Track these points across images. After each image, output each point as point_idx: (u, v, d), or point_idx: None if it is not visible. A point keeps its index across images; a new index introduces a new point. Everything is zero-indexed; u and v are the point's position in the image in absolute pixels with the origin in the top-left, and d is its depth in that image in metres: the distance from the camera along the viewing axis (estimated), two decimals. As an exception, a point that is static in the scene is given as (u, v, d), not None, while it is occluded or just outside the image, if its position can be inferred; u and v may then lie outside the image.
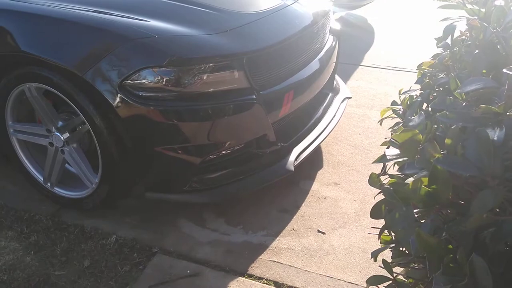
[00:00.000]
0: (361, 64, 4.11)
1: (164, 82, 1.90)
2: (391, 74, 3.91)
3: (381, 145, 1.38)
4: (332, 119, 2.67)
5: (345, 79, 3.73)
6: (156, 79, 1.89)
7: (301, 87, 2.38)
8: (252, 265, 1.93)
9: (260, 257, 1.98)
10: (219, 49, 2.00)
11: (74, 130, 2.15)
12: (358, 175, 2.55)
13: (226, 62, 1.99)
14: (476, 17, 0.83)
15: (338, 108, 2.80)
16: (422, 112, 0.88)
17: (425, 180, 0.68)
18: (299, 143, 2.42)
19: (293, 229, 2.15)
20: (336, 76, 3.00)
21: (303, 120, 2.56)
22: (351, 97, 2.97)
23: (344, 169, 2.60)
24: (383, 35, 4.96)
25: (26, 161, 2.30)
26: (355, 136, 2.94)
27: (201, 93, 1.97)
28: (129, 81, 1.89)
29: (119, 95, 1.90)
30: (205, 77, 1.95)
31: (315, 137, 2.49)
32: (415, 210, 0.71)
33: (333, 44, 2.76)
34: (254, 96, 2.07)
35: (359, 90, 3.59)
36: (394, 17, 5.65)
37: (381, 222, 1.04)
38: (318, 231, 2.14)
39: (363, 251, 2.02)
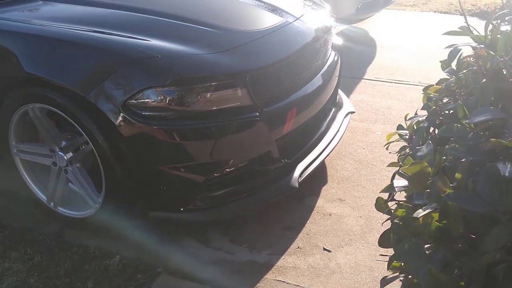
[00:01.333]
0: (364, 77, 4.11)
1: (167, 102, 1.90)
2: (393, 87, 3.90)
3: (388, 166, 1.37)
4: (336, 134, 2.66)
5: (348, 93, 3.73)
6: (159, 98, 1.89)
7: (304, 103, 2.38)
8: (257, 285, 1.92)
9: (266, 276, 1.96)
10: (221, 68, 2.00)
11: (77, 149, 2.15)
12: (363, 191, 2.53)
13: (229, 80, 2.00)
14: (482, 46, 0.83)
15: (342, 123, 2.79)
16: (430, 142, 0.87)
17: (435, 215, 0.67)
18: (303, 159, 2.41)
19: (298, 247, 2.13)
20: (339, 91, 3.00)
21: (307, 136, 2.55)
22: (354, 112, 2.96)
23: (349, 184, 2.59)
24: (384, 48, 4.97)
25: (29, 180, 2.29)
26: (359, 150, 2.93)
27: (204, 112, 1.97)
28: (132, 101, 1.89)
29: (122, 115, 1.90)
30: (208, 96, 1.95)
31: (319, 152, 2.48)
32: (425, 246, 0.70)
33: (335, 59, 2.76)
34: (257, 114, 2.07)
35: (362, 104, 3.58)
36: (395, 31, 5.66)
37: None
38: (324, 249, 2.12)
39: (370, 269, 2.00)
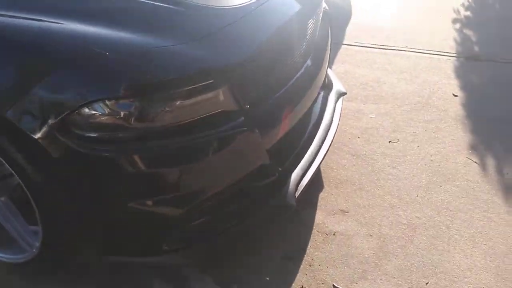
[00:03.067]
0: (343, 43, 3.61)
1: (122, 118, 1.34)
2: (378, 54, 3.43)
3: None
4: (330, 126, 2.18)
5: (329, 62, 3.22)
6: (110, 114, 1.33)
7: (299, 95, 1.87)
8: None
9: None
10: (195, 65, 1.44)
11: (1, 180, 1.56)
12: (367, 197, 2.10)
13: (206, 81, 1.44)
14: None
15: (335, 110, 2.31)
16: None
17: None
18: (297, 165, 1.93)
19: (302, 287, 1.69)
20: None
21: (298, 133, 2.05)
22: (346, 93, 2.48)
23: (349, 188, 2.14)
24: (361, 9, 4.44)
25: None
26: (354, 140, 2.48)
27: (174, 127, 1.43)
28: (72, 119, 1.32)
29: (57, 137, 1.33)
30: (179, 106, 1.40)
31: (313, 154, 2.00)
32: None
33: (326, 31, 2.24)
34: (244, 120, 1.55)
35: (346, 77, 3.10)
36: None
37: None
38: (334, 286, 1.69)
39: (395, 314, 1.60)
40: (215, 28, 1.54)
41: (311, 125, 2.13)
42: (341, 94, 2.46)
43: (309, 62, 1.99)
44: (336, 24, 3.91)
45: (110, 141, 1.36)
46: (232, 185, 1.64)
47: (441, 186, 2.16)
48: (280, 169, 1.83)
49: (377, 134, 2.51)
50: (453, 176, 2.22)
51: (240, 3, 1.69)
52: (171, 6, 1.57)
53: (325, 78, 2.38)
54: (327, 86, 2.45)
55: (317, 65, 2.06)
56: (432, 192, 2.12)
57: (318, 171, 2.08)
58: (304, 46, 1.90)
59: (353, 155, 2.36)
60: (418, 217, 1.99)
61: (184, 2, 1.60)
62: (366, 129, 2.56)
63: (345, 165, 2.29)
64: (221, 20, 1.58)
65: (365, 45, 3.55)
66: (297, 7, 1.86)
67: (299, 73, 1.89)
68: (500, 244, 1.87)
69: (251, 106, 1.59)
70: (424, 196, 2.10)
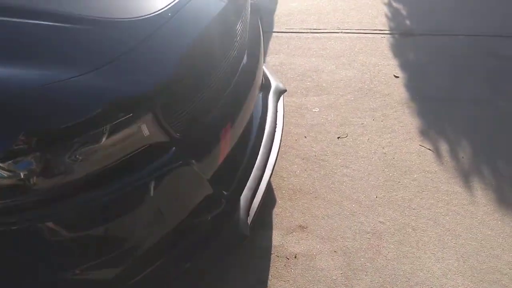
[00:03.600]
0: (274, 30, 3.38)
1: (24, 179, 1.04)
2: (311, 39, 3.23)
3: None
4: (275, 133, 1.96)
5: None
6: (8, 177, 1.03)
7: (237, 105, 1.63)
8: None
9: None
10: (107, 98, 1.15)
11: None
12: (324, 206, 1.91)
13: (123, 116, 1.15)
14: None
15: (277, 112, 2.09)
16: None
17: None
18: (244, 185, 1.70)
19: (269, 329, 1.48)
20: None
21: (240, 148, 1.80)
22: (286, 90, 2.26)
23: (304, 198, 1.94)
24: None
25: None
26: (301, 141, 2.27)
27: (92, 178, 1.15)
28: None
29: None
30: (92, 151, 1.12)
31: (261, 168, 1.78)
32: None
33: (257, 28, 2.00)
34: (176, 152, 1.30)
35: (283, 68, 2.88)
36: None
37: None
38: (305, 322, 1.49)
39: None
40: (126, 47, 1.25)
41: (253, 135, 1.90)
42: (281, 92, 2.24)
43: (243, 66, 1.74)
44: (263, 11, 3.68)
45: (14, 210, 1.06)
46: (175, 227, 1.39)
47: (399, 182, 2.01)
48: (226, 194, 1.60)
49: (324, 131, 2.33)
50: (409, 169, 2.08)
51: (153, 10, 1.39)
52: (71, 25, 1.26)
53: (262, 77, 2.14)
54: (265, 86, 2.22)
55: (253, 67, 1.82)
56: (391, 190, 1.97)
57: (268, 185, 1.85)
58: (235, 50, 1.64)
59: (303, 159, 2.16)
60: (381, 222, 1.83)
61: (86, 19, 1.29)
62: (312, 126, 2.36)
63: (295, 172, 2.09)
64: (133, 36, 1.29)
65: (296, 31, 3.34)
66: (221, 7, 1.59)
67: (234, 81, 1.64)
68: (470, 240, 1.75)
69: (182, 133, 1.33)
70: (384, 196, 1.95)
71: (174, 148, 1.29)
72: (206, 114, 1.45)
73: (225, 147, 1.53)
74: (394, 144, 2.23)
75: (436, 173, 2.05)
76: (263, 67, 2.35)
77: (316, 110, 2.48)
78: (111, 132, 1.13)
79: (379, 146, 2.21)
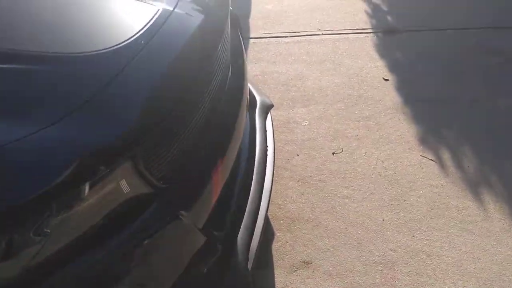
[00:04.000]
0: (251, 36, 3.17)
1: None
2: (292, 44, 3.05)
3: None
4: (267, 158, 1.77)
5: (243, 65, 2.78)
6: None
7: (227, 137, 1.43)
8: None
9: None
10: (75, 154, 0.94)
11: None
12: (328, 235, 1.73)
13: (99, 174, 0.95)
14: None
15: (266, 132, 1.90)
16: None
17: None
18: (239, 225, 1.51)
19: None
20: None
21: (231, 182, 1.61)
22: (273, 105, 2.06)
23: (305, 228, 1.77)
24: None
25: None
26: (293, 160, 2.09)
27: (65, 252, 0.94)
28: None
29: None
30: (62, 222, 0.92)
31: (256, 202, 1.60)
32: None
33: (238, 41, 1.80)
34: (160, 205, 1.11)
35: (265, 78, 2.68)
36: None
37: None
38: None
39: None
40: (95, 88, 1.03)
41: (244, 163, 1.71)
42: (268, 108, 2.04)
43: (229, 89, 1.54)
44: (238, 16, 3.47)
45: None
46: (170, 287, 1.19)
47: (405, 201, 1.85)
48: (220, 237, 1.41)
49: (317, 147, 2.15)
50: (413, 184, 1.92)
51: (123, 39, 1.18)
52: (27, 66, 1.04)
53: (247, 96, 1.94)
54: (251, 103, 2.02)
55: (239, 88, 1.63)
56: (398, 211, 1.81)
57: (266, 219, 1.66)
58: (219, 73, 1.44)
59: (298, 181, 1.97)
60: (392, 249, 1.66)
61: (45, 56, 1.07)
62: (304, 142, 2.18)
63: (292, 197, 1.90)
64: (103, 73, 1.08)
65: (275, 35, 3.15)
66: (199, 26, 1.38)
67: (220, 109, 1.45)
68: (490, 263, 1.60)
69: (168, 181, 1.13)
70: (391, 218, 1.78)
71: (156, 203, 1.09)
72: (194, 153, 1.25)
73: (218, 186, 1.34)
74: (394, 156, 2.07)
75: (443, 187, 1.90)
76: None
77: (306, 124, 2.30)
78: (83, 196, 0.92)
79: (378, 160, 2.05)
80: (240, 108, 1.55)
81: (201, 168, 1.25)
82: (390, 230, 1.74)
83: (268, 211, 1.76)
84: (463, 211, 1.80)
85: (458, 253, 1.64)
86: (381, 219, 1.78)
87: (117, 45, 1.16)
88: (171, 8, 1.33)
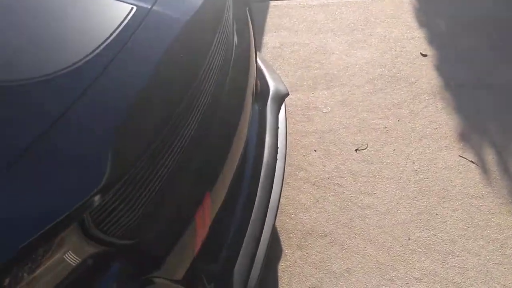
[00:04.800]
0: (272, -3, 2.82)
1: None
2: (318, 7, 2.69)
3: None
4: (275, 165, 1.54)
5: (258, 35, 2.48)
6: None
7: (219, 165, 1.20)
8: None
9: None
10: (17, 219, 0.74)
11: None
12: (343, 256, 1.51)
13: (37, 251, 0.75)
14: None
15: (277, 130, 1.65)
16: None
17: None
18: (237, 252, 1.31)
19: None
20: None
21: (228, 198, 1.38)
22: (288, 94, 1.78)
23: (317, 245, 1.54)
24: None
25: None
26: (309, 157, 1.84)
27: None
28: None
29: None
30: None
31: (258, 224, 1.39)
32: None
33: (247, 36, 1.51)
34: (121, 268, 0.91)
35: (284, 52, 2.38)
36: None
37: None
38: None
39: None
40: (41, 128, 0.80)
41: (248, 173, 1.47)
42: (282, 98, 1.78)
43: (229, 91, 1.28)
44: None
45: None
46: None
47: (436, 214, 1.59)
48: (213, 273, 1.23)
49: (339, 140, 1.88)
50: (448, 193, 1.65)
51: (83, 55, 0.92)
52: None
53: (255, 85, 1.66)
54: (262, 93, 1.75)
55: (240, 95, 1.36)
56: (427, 228, 1.55)
57: (270, 239, 1.44)
58: (211, 85, 1.17)
59: (313, 184, 1.73)
60: (417, 278, 1.43)
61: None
62: (323, 135, 1.91)
63: (305, 204, 1.67)
64: (51, 108, 0.84)
65: (300, -3, 2.78)
66: (186, 26, 1.10)
67: (214, 132, 1.20)
68: (535, 302, 1.35)
69: (133, 235, 0.92)
70: (418, 237, 1.53)
71: (117, 265, 0.89)
72: (171, 193, 1.02)
73: (203, 228, 1.12)
74: (427, 155, 1.78)
75: (483, 199, 1.62)
76: (258, 60, 1.88)
77: (327, 110, 2.02)
78: (28, 266, 0.73)
79: (409, 160, 1.77)
80: (241, 118, 1.30)
81: (180, 211, 1.03)
82: (416, 252, 1.49)
83: (275, 222, 1.54)
84: (507, 231, 1.52)
85: (496, 287, 1.39)
86: (407, 238, 1.53)
87: (74, 64, 0.91)
88: (148, 6, 1.05)
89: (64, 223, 0.76)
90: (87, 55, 0.92)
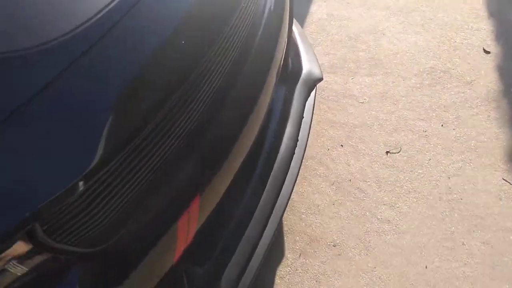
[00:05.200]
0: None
1: None
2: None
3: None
4: (290, 163, 1.39)
5: (298, 3, 2.25)
6: None
7: (219, 163, 1.05)
8: None
9: None
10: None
11: None
12: (350, 273, 1.37)
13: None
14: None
15: (302, 119, 1.48)
16: None
17: None
18: (228, 259, 1.21)
19: None
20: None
21: (228, 196, 1.24)
22: (322, 79, 1.59)
23: (323, 255, 1.41)
24: None
25: None
26: (334, 152, 1.67)
27: None
28: None
29: None
30: None
31: (258, 229, 1.27)
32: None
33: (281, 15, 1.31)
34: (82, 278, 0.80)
35: (330, 25, 2.14)
36: None
37: None
38: None
39: None
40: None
41: (256, 169, 1.33)
42: (314, 83, 1.60)
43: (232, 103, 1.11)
44: None
45: None
46: None
47: (463, 244, 1.41)
48: (198, 276, 1.13)
49: (370, 138, 1.69)
50: (482, 221, 1.46)
51: (74, 26, 0.78)
52: None
53: (282, 62, 1.47)
54: (291, 74, 1.58)
55: (262, 72, 1.19)
56: (449, 259, 1.38)
57: (271, 242, 1.31)
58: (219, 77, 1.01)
59: (333, 184, 1.57)
60: (426, 314, 1.28)
61: None
62: (354, 129, 1.73)
63: (319, 205, 1.52)
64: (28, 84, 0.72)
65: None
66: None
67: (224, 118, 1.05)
68: None
69: (97, 242, 0.81)
70: (438, 267, 1.37)
71: (73, 275, 0.79)
72: (150, 195, 0.89)
73: (186, 238, 1.00)
74: (466, 172, 1.58)
75: (521, 236, 1.42)
76: (296, 34, 1.70)
77: (364, 101, 1.82)
78: None
79: (444, 175, 1.57)
80: (257, 104, 1.14)
81: (160, 215, 0.90)
82: (431, 283, 1.34)
83: (283, 218, 1.42)
84: (540, 279, 1.34)
85: None
86: (424, 266, 1.37)
87: (64, 35, 0.77)
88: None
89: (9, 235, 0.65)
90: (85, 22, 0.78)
